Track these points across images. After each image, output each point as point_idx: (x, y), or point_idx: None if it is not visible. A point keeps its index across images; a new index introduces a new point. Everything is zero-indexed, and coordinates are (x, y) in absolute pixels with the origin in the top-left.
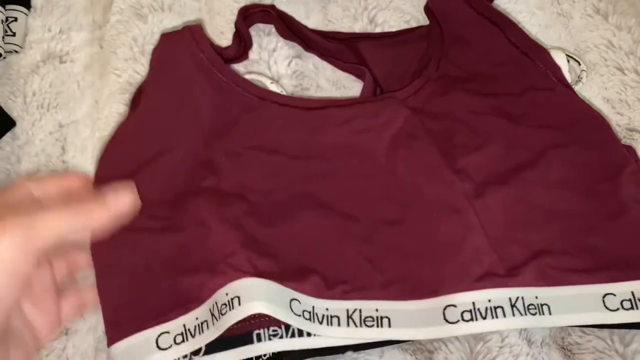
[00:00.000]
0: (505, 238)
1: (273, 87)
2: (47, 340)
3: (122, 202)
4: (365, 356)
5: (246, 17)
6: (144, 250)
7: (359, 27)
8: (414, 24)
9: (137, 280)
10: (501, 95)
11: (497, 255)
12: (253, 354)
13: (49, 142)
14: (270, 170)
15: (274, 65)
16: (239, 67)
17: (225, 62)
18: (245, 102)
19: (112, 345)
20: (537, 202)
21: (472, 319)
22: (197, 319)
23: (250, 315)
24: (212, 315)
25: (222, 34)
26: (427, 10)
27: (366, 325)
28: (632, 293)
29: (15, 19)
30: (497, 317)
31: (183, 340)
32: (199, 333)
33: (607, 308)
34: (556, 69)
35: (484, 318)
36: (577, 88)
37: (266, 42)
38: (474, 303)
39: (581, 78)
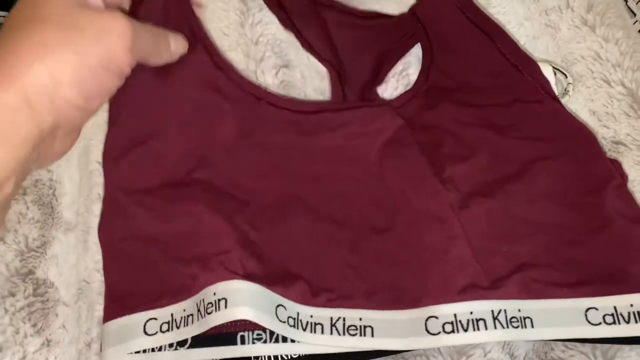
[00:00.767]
0: (489, 250)
1: None
2: None
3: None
4: None
5: None
6: (142, 234)
7: None
8: None
9: (135, 263)
10: (489, 107)
11: (481, 266)
12: (235, 355)
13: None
14: (262, 169)
15: (261, 75)
16: None
17: None
18: (241, 99)
19: (106, 322)
20: (522, 215)
21: (453, 331)
22: (184, 310)
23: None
24: (198, 310)
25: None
26: (411, 15)
27: (349, 334)
28: (615, 308)
29: None
30: (478, 329)
31: (168, 329)
32: (184, 325)
33: (589, 322)
34: (545, 82)
35: (465, 330)
36: (564, 101)
37: (254, 52)
38: (455, 315)
39: (568, 91)
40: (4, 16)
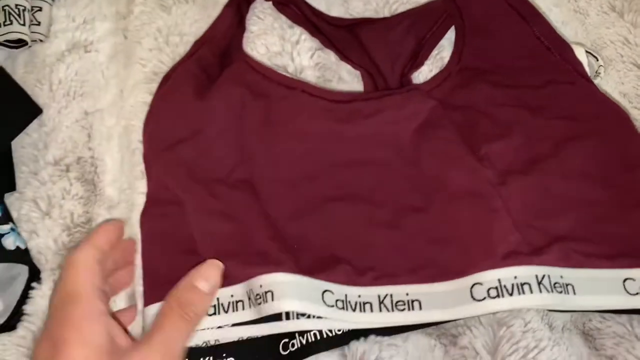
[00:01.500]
0: (527, 224)
1: None
2: None
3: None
4: (389, 341)
5: None
6: (184, 226)
7: None
8: None
9: (175, 251)
10: (522, 87)
11: (522, 236)
12: (281, 331)
13: (75, 129)
14: (299, 158)
15: (297, 57)
16: (264, 61)
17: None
18: (276, 92)
19: (146, 307)
20: (558, 191)
21: (498, 296)
22: (232, 296)
23: None
24: (249, 298)
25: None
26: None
27: (398, 310)
28: None
29: (40, 9)
30: (523, 293)
31: (215, 313)
32: (233, 310)
33: (627, 292)
34: (578, 64)
35: (511, 294)
36: (596, 82)
37: (289, 35)
38: (499, 280)
39: (599, 73)
40: None
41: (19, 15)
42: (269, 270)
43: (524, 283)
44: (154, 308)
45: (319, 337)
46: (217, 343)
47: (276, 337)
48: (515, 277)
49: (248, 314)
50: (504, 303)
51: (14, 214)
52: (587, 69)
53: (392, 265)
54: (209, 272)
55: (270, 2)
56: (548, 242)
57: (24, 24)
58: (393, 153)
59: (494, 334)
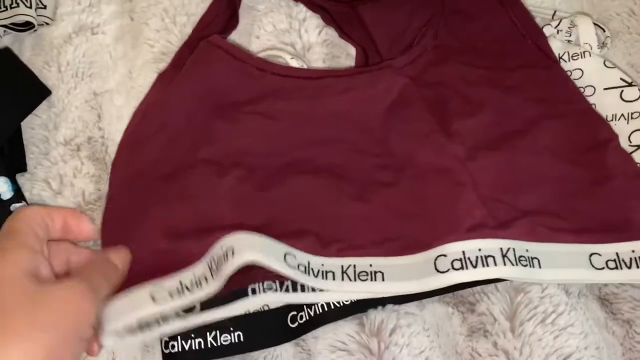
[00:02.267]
0: (495, 199)
1: (294, 63)
2: None
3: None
4: (406, 309)
5: None
6: (145, 217)
7: None
8: None
9: (136, 244)
10: (496, 69)
11: (488, 210)
12: (248, 308)
13: (85, 109)
14: (268, 135)
15: (305, 34)
16: (271, 39)
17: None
18: (245, 73)
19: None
20: (527, 168)
21: (462, 268)
22: (194, 274)
23: (245, 268)
24: (210, 269)
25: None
26: None
27: (360, 280)
28: (617, 254)
29: None
30: (487, 265)
31: (179, 294)
32: (197, 287)
33: (593, 266)
34: (551, 52)
35: (475, 267)
36: (603, 52)
37: (296, 12)
38: (464, 252)
39: (606, 44)
40: None
41: None
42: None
43: (488, 256)
44: (119, 300)
45: (326, 309)
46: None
47: (283, 311)
48: (480, 250)
49: (212, 285)
50: (468, 275)
51: (26, 195)
52: (594, 37)
53: (358, 238)
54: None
55: None
56: (515, 216)
57: (30, 7)
58: (363, 130)
59: (511, 300)
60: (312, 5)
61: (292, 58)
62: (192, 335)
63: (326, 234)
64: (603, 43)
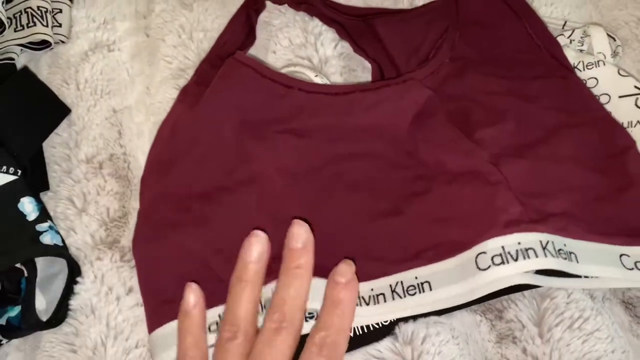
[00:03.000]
0: (525, 202)
1: (317, 80)
2: None
3: None
4: (436, 319)
5: None
6: (178, 244)
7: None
8: None
9: (171, 272)
10: (515, 78)
11: (523, 208)
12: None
13: (106, 126)
14: (301, 152)
15: (321, 47)
16: (287, 53)
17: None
18: (273, 90)
19: (151, 333)
20: (550, 175)
21: (502, 262)
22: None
23: None
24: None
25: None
26: None
27: (409, 295)
28: None
29: (60, 11)
30: (528, 257)
31: (217, 329)
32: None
33: (624, 266)
34: (566, 61)
35: (515, 260)
36: (615, 61)
37: (312, 27)
38: (503, 247)
39: (618, 53)
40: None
41: (41, 16)
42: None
43: (529, 248)
44: (160, 332)
45: (360, 333)
46: None
47: None
48: (519, 243)
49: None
50: (509, 269)
51: (50, 213)
52: (607, 46)
53: (398, 253)
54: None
55: (286, 5)
56: (547, 216)
57: (47, 25)
58: (392, 143)
59: (538, 307)
60: (327, 20)
61: (317, 75)
62: None
63: (366, 255)
64: (615, 52)
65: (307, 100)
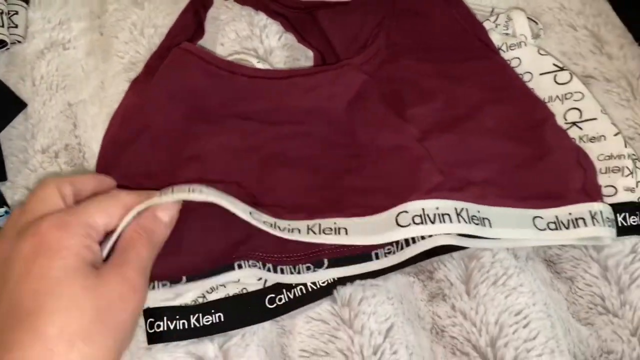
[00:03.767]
0: (449, 172)
1: (260, 66)
2: None
3: None
4: (372, 282)
5: None
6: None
7: None
8: None
9: None
10: (444, 62)
11: (444, 178)
12: (233, 279)
13: (61, 119)
14: (243, 133)
15: (266, 39)
16: (234, 45)
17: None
18: (217, 75)
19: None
20: (474, 147)
21: (422, 223)
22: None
23: (231, 246)
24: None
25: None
26: None
27: (324, 234)
28: (556, 217)
29: (17, 12)
30: (444, 222)
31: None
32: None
33: (536, 227)
34: (492, 45)
35: (433, 222)
36: (537, 42)
37: (257, 20)
38: (423, 209)
39: (539, 35)
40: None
41: None
42: None
43: (445, 214)
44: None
45: (304, 291)
46: (205, 301)
47: (262, 293)
48: (437, 208)
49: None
50: (427, 229)
51: (8, 201)
52: (527, 28)
53: (323, 211)
54: (169, 205)
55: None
56: (467, 185)
57: (2, 26)
58: (330, 124)
59: (466, 266)
60: (271, 13)
61: (259, 62)
62: (177, 317)
63: (295, 208)
64: (537, 34)
65: (249, 84)
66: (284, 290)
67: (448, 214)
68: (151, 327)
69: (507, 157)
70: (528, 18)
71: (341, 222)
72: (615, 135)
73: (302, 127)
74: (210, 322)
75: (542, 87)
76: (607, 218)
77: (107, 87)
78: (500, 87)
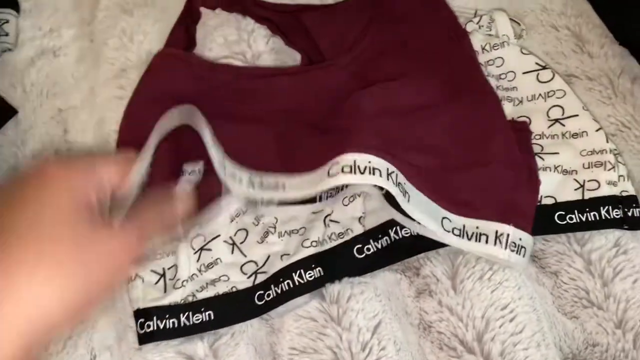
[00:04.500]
0: (389, 148)
1: None
2: None
3: None
4: (360, 279)
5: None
6: None
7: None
8: None
9: None
10: (422, 61)
11: (381, 142)
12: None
13: (52, 125)
14: (230, 132)
15: (254, 43)
16: (223, 50)
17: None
18: (199, 76)
19: None
20: (420, 134)
21: (350, 172)
22: None
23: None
24: None
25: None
26: None
27: (264, 189)
28: (464, 226)
29: (7, 21)
30: (373, 175)
31: None
32: None
33: (442, 227)
34: (473, 52)
35: (362, 173)
36: (520, 42)
37: (244, 25)
38: (355, 161)
39: (522, 35)
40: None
41: None
42: None
43: (376, 168)
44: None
45: (292, 286)
46: (195, 300)
47: (251, 290)
48: (370, 162)
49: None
50: (354, 178)
51: None
52: (510, 29)
53: (269, 167)
54: (185, 200)
55: (219, 8)
56: (401, 161)
57: None
58: (313, 117)
59: (452, 262)
60: (258, 18)
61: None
62: (167, 316)
63: (246, 164)
64: (520, 35)
65: (234, 82)
66: (272, 286)
67: (379, 169)
68: (142, 327)
69: (445, 154)
70: (511, 19)
71: (281, 179)
72: (597, 130)
73: (284, 125)
74: (201, 320)
75: (525, 86)
76: (513, 243)
77: (97, 93)
78: (468, 90)
